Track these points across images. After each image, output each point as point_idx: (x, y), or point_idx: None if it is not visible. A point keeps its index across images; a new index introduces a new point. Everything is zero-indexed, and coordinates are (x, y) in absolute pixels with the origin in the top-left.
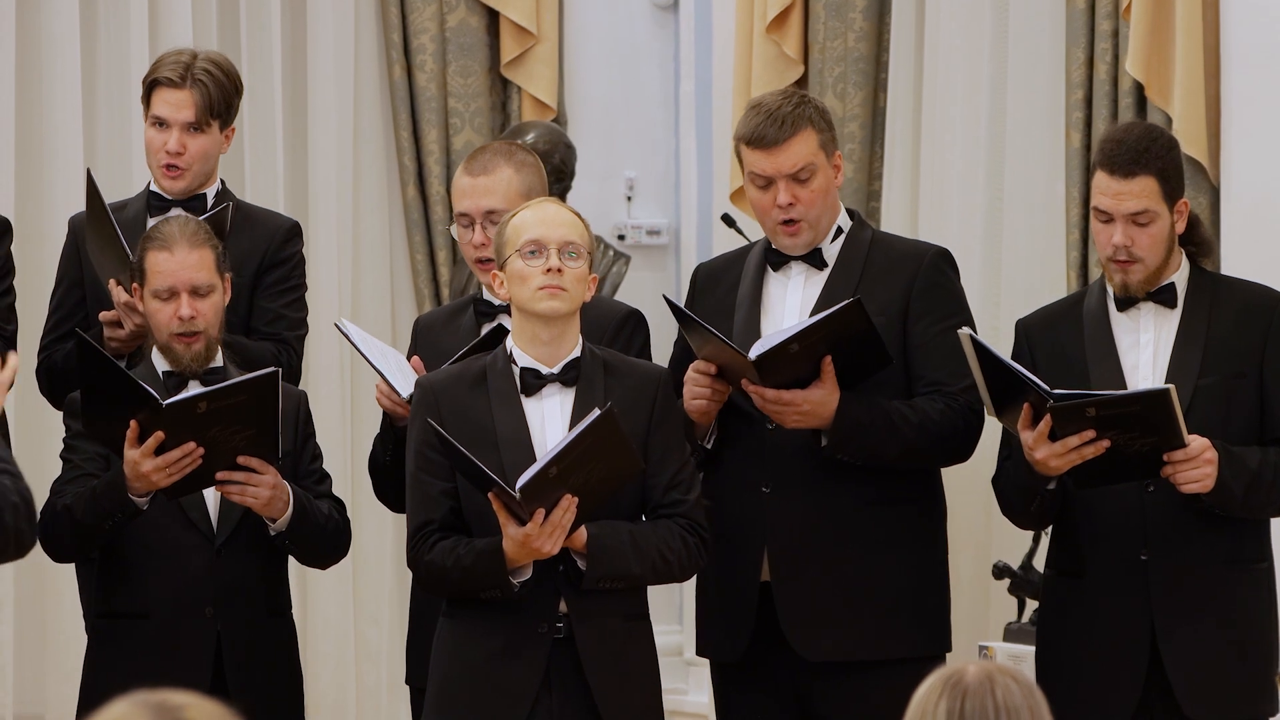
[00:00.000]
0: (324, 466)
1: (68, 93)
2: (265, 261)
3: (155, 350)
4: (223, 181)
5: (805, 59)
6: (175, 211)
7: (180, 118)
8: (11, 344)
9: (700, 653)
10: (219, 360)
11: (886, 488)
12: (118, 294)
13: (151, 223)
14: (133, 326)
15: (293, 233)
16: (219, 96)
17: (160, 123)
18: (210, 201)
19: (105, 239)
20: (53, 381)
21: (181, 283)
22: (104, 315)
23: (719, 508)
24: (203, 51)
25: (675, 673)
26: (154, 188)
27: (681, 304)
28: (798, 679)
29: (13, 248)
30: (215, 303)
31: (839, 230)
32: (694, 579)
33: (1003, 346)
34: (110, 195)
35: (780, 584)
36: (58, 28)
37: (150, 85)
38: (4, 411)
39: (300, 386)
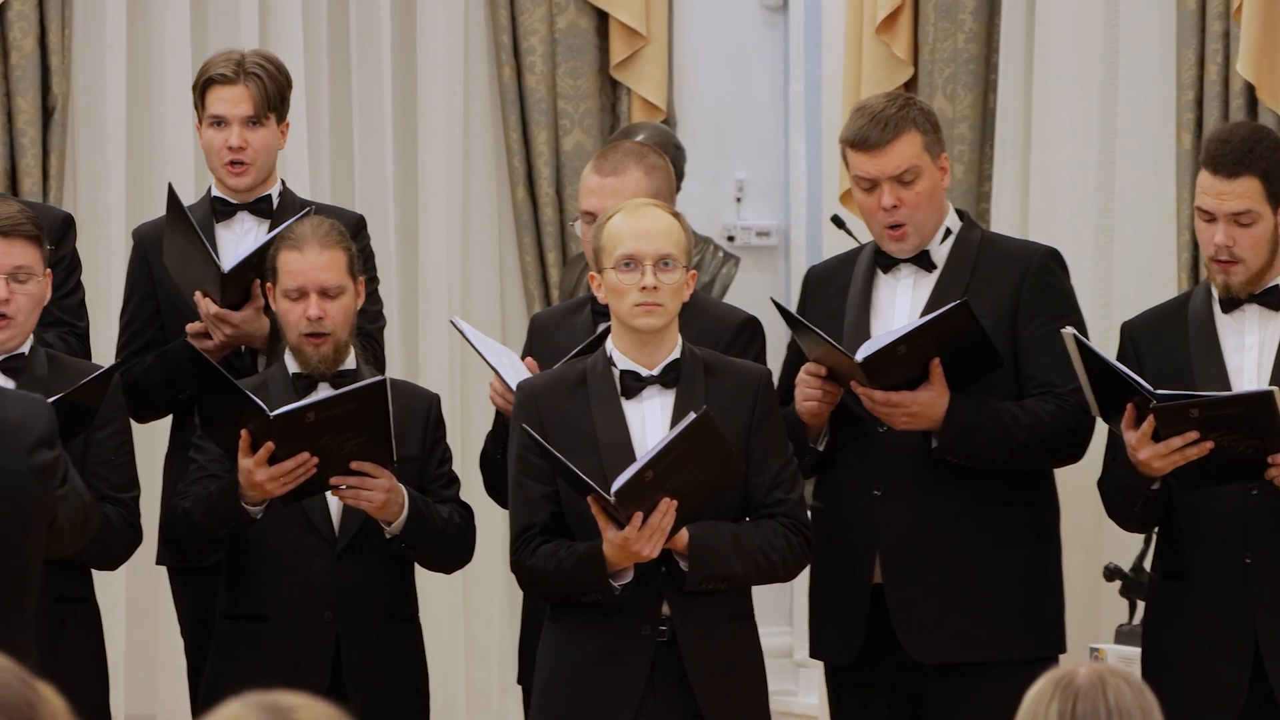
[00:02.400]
0: (452, 470)
1: (178, 97)
2: None
3: (287, 352)
4: (283, 182)
5: (915, 60)
6: (242, 215)
7: (238, 113)
8: (85, 341)
9: (814, 655)
10: (351, 362)
11: (999, 489)
12: (205, 306)
13: (217, 228)
14: (222, 338)
15: (359, 226)
16: (274, 89)
17: (218, 121)
18: (275, 202)
19: (189, 250)
20: (132, 396)
21: (310, 283)
22: (192, 327)
23: (831, 509)
24: (251, 49)
25: (785, 674)
26: (217, 192)
27: (793, 307)
28: (910, 681)
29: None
30: (345, 305)
31: (948, 231)
32: (806, 581)
33: (1113, 349)
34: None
35: (892, 586)
36: (169, 33)
37: (204, 86)
38: (128, 425)
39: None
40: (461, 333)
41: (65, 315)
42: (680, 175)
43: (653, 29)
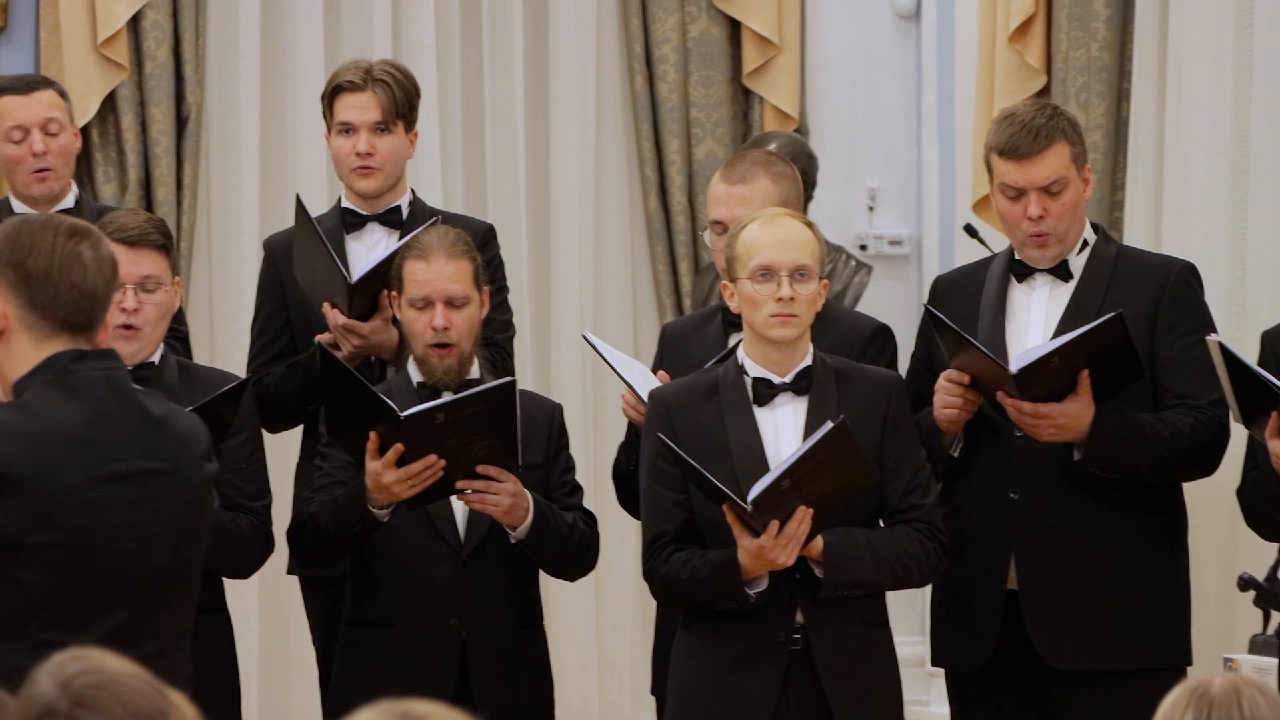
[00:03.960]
0: (576, 479)
1: (311, 106)
2: None
3: (411, 361)
4: (413, 191)
5: (1048, 69)
6: (372, 227)
7: (367, 119)
8: (187, 345)
9: (936, 662)
10: (474, 372)
11: (1131, 497)
12: (334, 317)
13: (347, 240)
14: (351, 348)
15: (489, 235)
16: (402, 97)
17: (346, 128)
18: (405, 212)
19: (317, 261)
20: (264, 406)
21: (436, 293)
22: (321, 338)
23: (963, 514)
24: (378, 58)
25: (918, 683)
26: (346, 204)
27: (919, 315)
28: (1038, 687)
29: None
30: (470, 315)
31: (1084, 243)
32: (931, 588)
33: (1249, 357)
34: None
35: (1027, 591)
36: (301, 42)
37: (332, 94)
38: (259, 434)
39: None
40: (593, 346)
41: (179, 325)
42: (812, 184)
43: (785, 37)
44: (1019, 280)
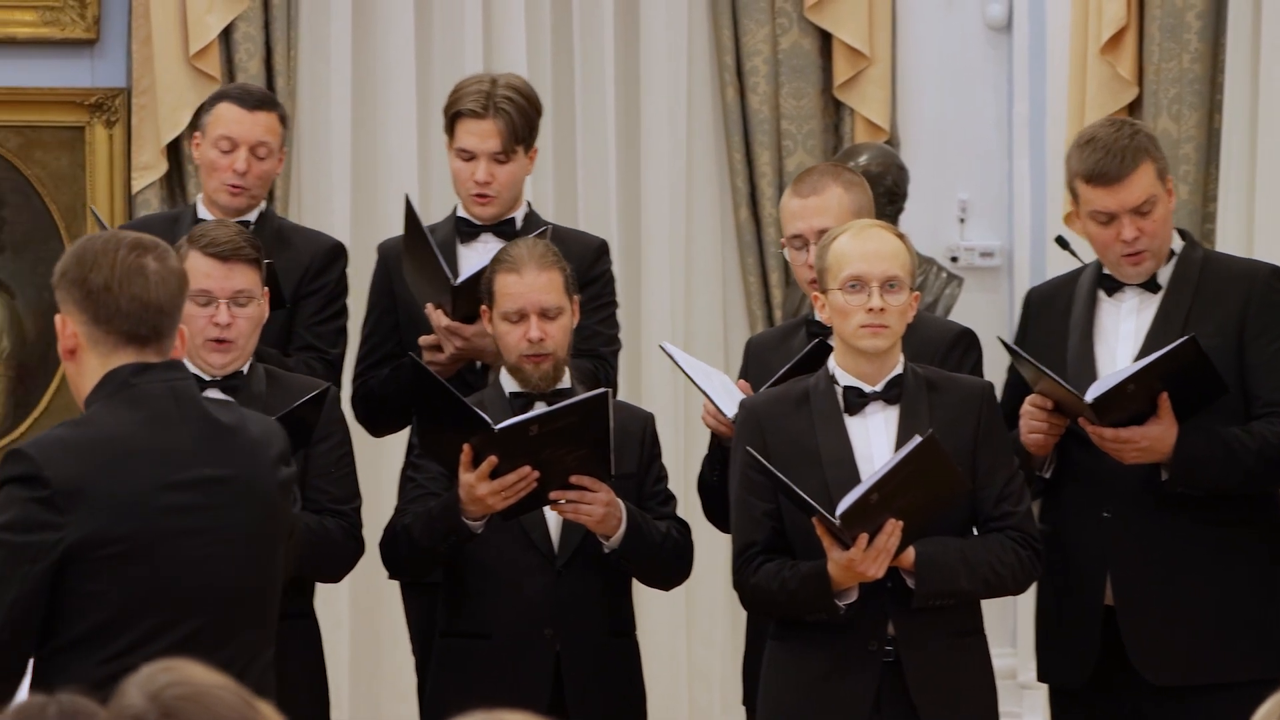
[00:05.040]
0: (669, 488)
1: (402, 118)
2: (578, 280)
3: (503, 370)
4: (529, 204)
5: (1139, 80)
6: (486, 237)
7: (486, 148)
8: (335, 368)
9: (1041, 678)
10: (566, 380)
11: (1225, 510)
12: (437, 319)
13: (461, 248)
14: (454, 350)
15: (601, 251)
16: (522, 123)
17: (466, 154)
18: (519, 225)
19: (423, 264)
20: (369, 408)
21: (531, 305)
22: (424, 340)
23: (1059, 533)
24: (501, 77)
25: (1009, 696)
26: (462, 213)
27: (1015, 327)
28: (1138, 703)
29: (348, 271)
30: (564, 324)
31: (1171, 252)
32: (1030, 602)
33: None
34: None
35: (1124, 608)
36: (393, 55)
37: (453, 117)
38: (348, 437)
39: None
40: (671, 357)
41: (317, 341)
42: (903, 196)
43: (876, 49)
44: (1108, 294)
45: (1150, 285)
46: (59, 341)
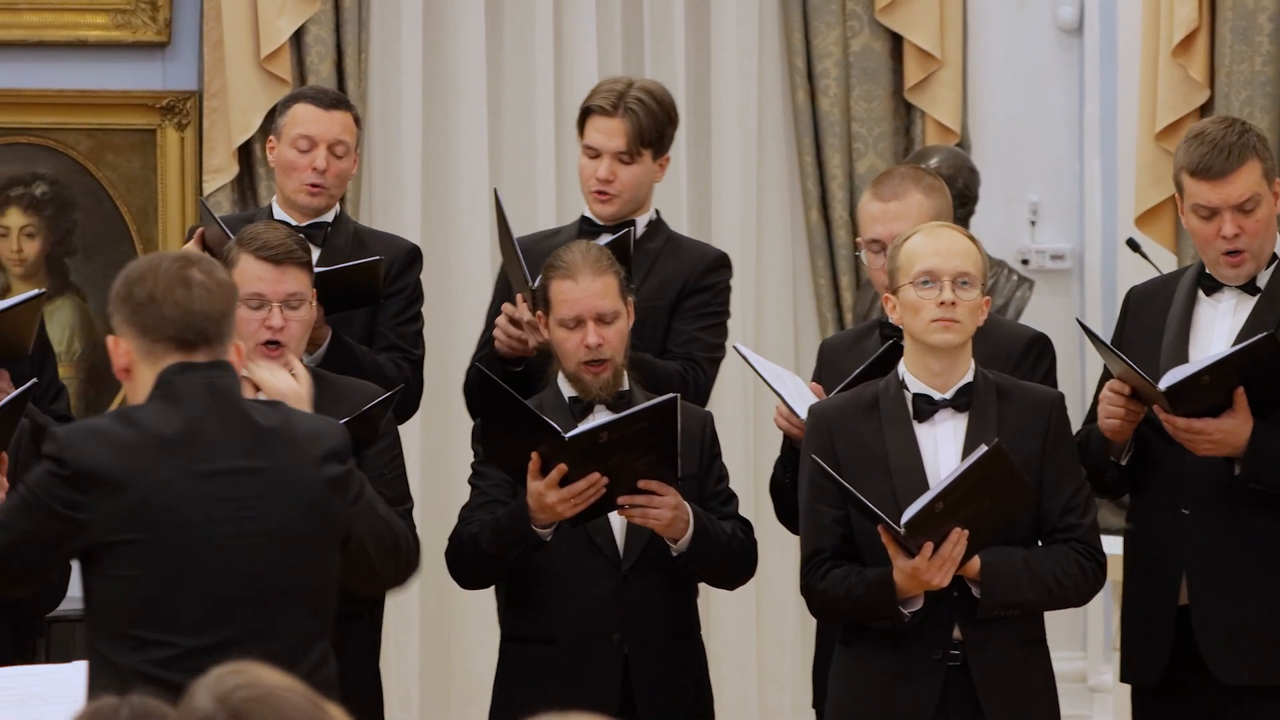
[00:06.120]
0: (730, 487)
1: (473, 120)
2: (687, 288)
3: (561, 375)
4: (657, 212)
5: (1211, 83)
6: (605, 238)
7: (611, 146)
8: (419, 369)
9: (1123, 679)
10: (625, 384)
11: None
12: (522, 311)
13: None
14: (536, 343)
15: (719, 262)
16: (650, 126)
17: (592, 151)
18: (640, 230)
19: (509, 259)
20: (470, 397)
21: (587, 311)
22: (504, 317)
23: (1138, 531)
24: (639, 80)
25: (1079, 699)
26: (586, 212)
27: (1113, 325)
28: (1213, 703)
29: (421, 273)
30: (620, 328)
31: (1274, 256)
32: (1100, 605)
33: None
34: (514, 220)
35: (1199, 607)
36: (463, 58)
37: (584, 113)
38: (398, 440)
39: (706, 408)
40: (745, 359)
41: (401, 342)
42: (974, 198)
43: (947, 52)
44: (1207, 294)
45: (1249, 287)
46: (113, 361)
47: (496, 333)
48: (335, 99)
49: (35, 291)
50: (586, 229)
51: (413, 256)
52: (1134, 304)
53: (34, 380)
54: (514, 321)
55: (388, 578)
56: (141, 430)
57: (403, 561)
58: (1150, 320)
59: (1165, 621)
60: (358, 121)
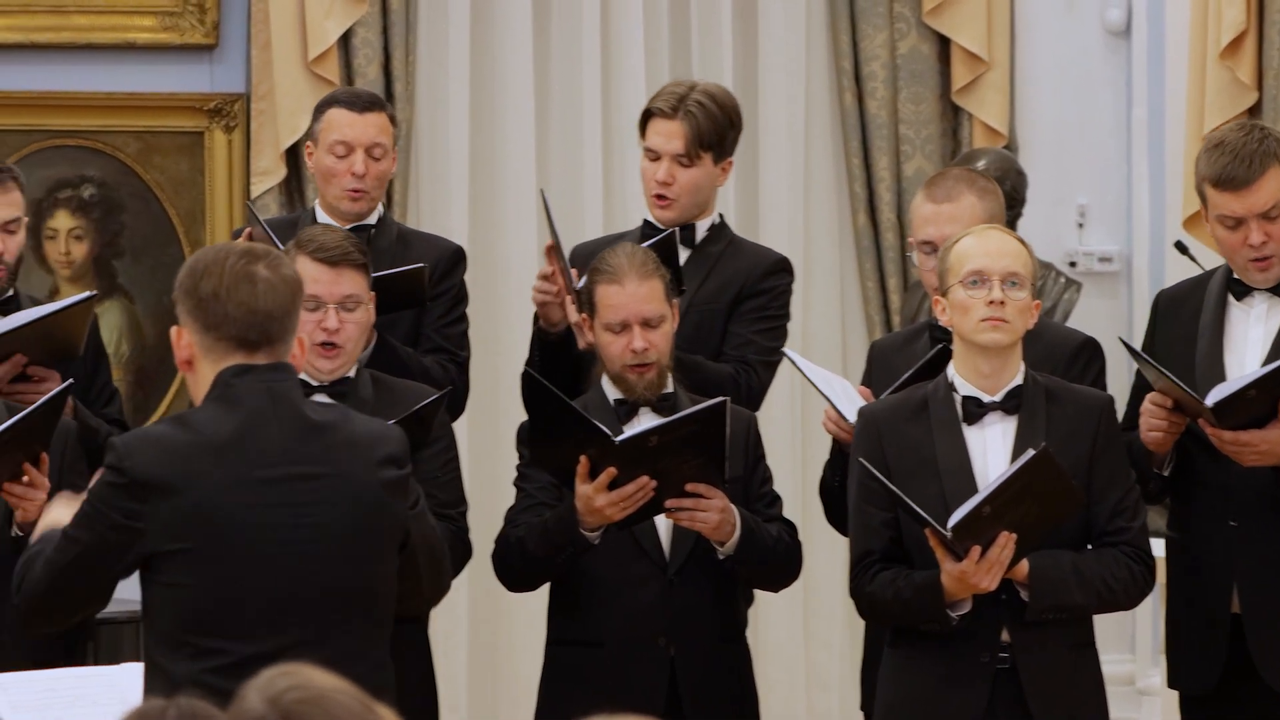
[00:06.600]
0: (774, 489)
1: (521, 122)
2: (744, 291)
3: (604, 377)
4: (720, 215)
5: (1259, 85)
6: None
7: (670, 149)
8: (465, 370)
9: (1171, 685)
10: (669, 385)
11: None
12: (571, 314)
13: None
14: (584, 345)
15: (778, 266)
16: (710, 129)
17: (653, 154)
18: (700, 235)
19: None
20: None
21: (633, 315)
22: (539, 291)
23: (1187, 541)
24: (703, 83)
25: (1127, 702)
26: (648, 216)
27: (1144, 331)
28: (1266, 711)
29: (466, 274)
30: (666, 332)
31: None
32: (1149, 609)
33: None
34: (561, 223)
35: (1251, 617)
36: (511, 60)
37: (645, 115)
38: (454, 442)
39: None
40: (794, 363)
41: (447, 343)
42: (1022, 201)
43: (994, 54)
44: (1237, 299)
45: (1279, 290)
46: (175, 353)
47: (534, 293)
48: (369, 101)
49: (86, 294)
50: (649, 234)
51: (457, 258)
52: (1163, 309)
53: (70, 381)
54: (544, 277)
55: (429, 591)
56: (197, 435)
57: (445, 575)
58: (1181, 327)
59: (1219, 632)
60: (393, 119)
